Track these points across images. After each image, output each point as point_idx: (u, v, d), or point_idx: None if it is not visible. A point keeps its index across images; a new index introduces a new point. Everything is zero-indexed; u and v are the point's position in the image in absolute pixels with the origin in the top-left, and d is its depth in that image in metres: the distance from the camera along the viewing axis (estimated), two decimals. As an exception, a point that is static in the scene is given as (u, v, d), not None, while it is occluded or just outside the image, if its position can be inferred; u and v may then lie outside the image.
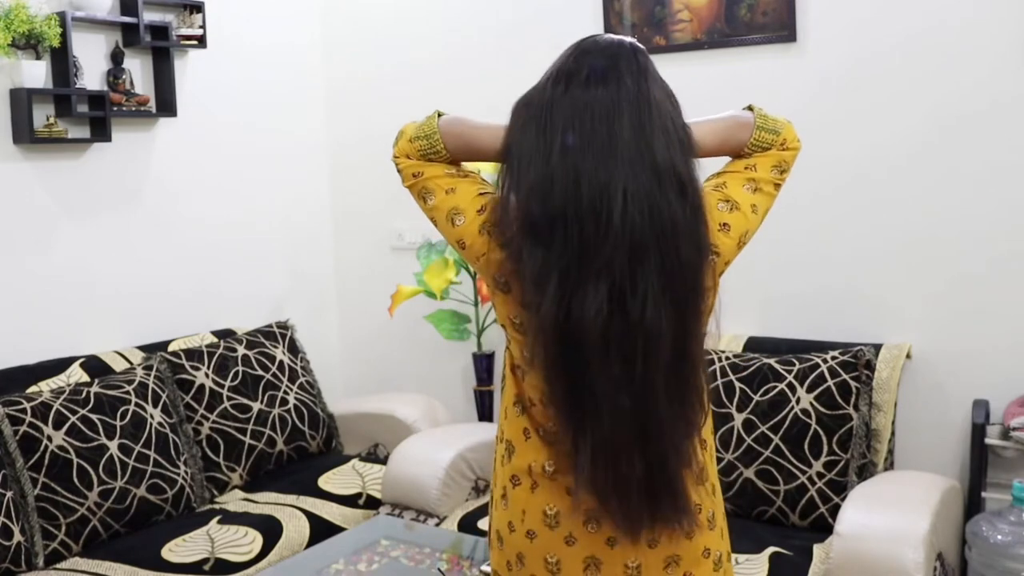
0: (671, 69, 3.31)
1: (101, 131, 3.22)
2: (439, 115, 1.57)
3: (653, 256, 1.32)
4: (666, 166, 1.34)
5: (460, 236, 1.50)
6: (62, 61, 3.11)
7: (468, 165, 1.60)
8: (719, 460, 2.85)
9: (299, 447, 3.44)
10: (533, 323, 1.38)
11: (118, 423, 2.90)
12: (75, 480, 2.75)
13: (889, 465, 2.89)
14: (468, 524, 2.92)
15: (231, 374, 3.30)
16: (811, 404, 2.80)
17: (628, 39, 1.47)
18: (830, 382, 2.80)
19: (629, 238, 1.32)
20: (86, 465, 2.78)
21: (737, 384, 2.90)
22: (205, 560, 2.71)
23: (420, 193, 1.55)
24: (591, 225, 1.32)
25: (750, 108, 1.60)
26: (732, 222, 1.48)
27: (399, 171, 1.58)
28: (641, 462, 1.37)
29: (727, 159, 1.60)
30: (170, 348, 3.33)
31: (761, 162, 1.56)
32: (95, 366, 3.12)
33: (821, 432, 2.78)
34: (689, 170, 1.38)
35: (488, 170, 3.49)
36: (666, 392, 1.35)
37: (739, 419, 2.87)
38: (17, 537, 2.61)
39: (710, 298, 1.47)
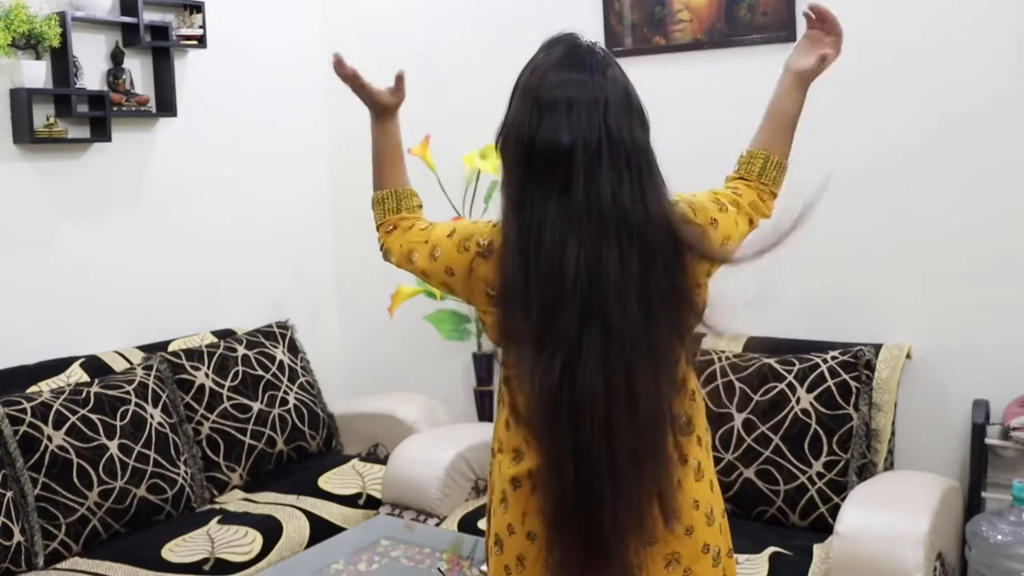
0: (671, 69, 3.34)
1: (101, 131, 3.22)
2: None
3: (596, 319, 1.34)
4: (615, 211, 1.35)
5: (446, 264, 1.53)
6: (62, 61, 3.11)
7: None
8: (718, 460, 2.85)
9: (299, 447, 3.44)
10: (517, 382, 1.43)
11: (118, 423, 2.90)
12: (75, 480, 2.75)
13: (889, 465, 2.89)
14: (468, 524, 2.92)
15: (231, 374, 3.30)
16: (811, 404, 2.80)
17: (589, 48, 1.47)
18: (830, 382, 2.80)
19: (579, 301, 1.33)
20: (86, 465, 2.78)
21: (737, 384, 2.90)
22: (205, 560, 2.71)
23: (407, 257, 1.61)
24: (548, 290, 1.35)
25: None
26: (720, 220, 1.52)
27: (390, 253, 1.67)
28: (581, 535, 1.38)
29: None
30: (170, 348, 3.33)
31: (745, 192, 1.62)
32: (95, 366, 3.12)
33: (821, 432, 2.78)
34: (644, 198, 1.38)
35: (489, 170, 3.50)
36: (610, 461, 1.35)
37: (739, 419, 2.87)
38: (17, 537, 2.61)
39: (700, 297, 1.49)
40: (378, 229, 1.72)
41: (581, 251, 1.34)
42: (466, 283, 1.52)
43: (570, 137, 1.37)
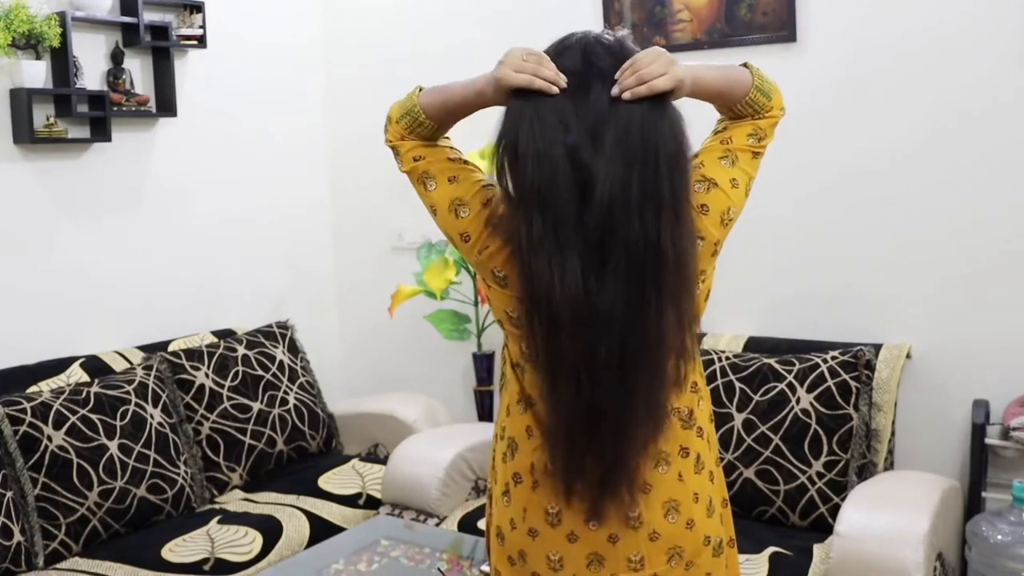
0: (671, 69, 3.32)
1: (101, 131, 3.22)
2: (420, 89, 1.59)
3: (619, 236, 1.34)
4: (651, 150, 1.37)
5: (464, 229, 1.50)
6: (62, 61, 3.11)
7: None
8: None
9: (299, 447, 3.44)
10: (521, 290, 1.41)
11: (118, 423, 2.90)
12: (75, 480, 2.75)
13: (889, 465, 2.89)
14: (468, 524, 2.92)
15: (231, 374, 3.30)
16: (811, 404, 2.80)
17: (624, 39, 1.49)
18: (830, 382, 2.80)
19: (604, 217, 1.34)
20: (86, 465, 2.78)
21: (737, 384, 2.90)
22: (205, 560, 2.71)
23: (420, 178, 1.55)
24: (573, 201, 1.35)
25: (745, 65, 1.59)
26: (710, 202, 1.48)
27: (398, 155, 1.58)
28: (590, 442, 1.39)
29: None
30: (170, 348, 3.33)
31: (736, 132, 1.56)
32: (95, 366, 3.12)
33: (821, 432, 2.78)
34: (678, 149, 1.40)
35: (490, 170, 3.49)
36: (622, 373, 1.37)
37: (739, 419, 2.87)
38: (17, 537, 2.61)
39: (703, 282, 1.49)
40: (391, 127, 1.58)
41: (608, 173, 1.35)
42: (476, 257, 1.51)
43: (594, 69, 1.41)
